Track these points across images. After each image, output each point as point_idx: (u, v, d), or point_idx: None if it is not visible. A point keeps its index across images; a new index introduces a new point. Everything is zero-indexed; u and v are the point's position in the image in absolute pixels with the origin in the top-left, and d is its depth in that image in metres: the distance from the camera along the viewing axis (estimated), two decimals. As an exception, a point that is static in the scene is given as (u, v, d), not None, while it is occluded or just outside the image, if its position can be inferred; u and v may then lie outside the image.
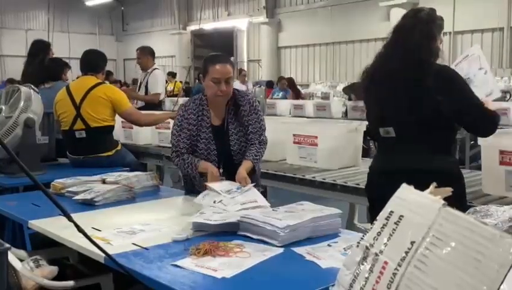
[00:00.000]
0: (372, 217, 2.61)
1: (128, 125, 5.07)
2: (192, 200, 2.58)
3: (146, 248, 1.90)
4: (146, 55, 6.30)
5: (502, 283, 0.83)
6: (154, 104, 6.13)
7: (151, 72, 6.21)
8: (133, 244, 1.94)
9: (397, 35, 2.49)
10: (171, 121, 4.65)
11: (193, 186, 2.90)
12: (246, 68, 18.64)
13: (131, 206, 2.64)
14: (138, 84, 6.60)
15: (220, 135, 2.85)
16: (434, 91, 2.32)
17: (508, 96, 11.74)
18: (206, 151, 2.83)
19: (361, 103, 8.78)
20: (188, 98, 4.70)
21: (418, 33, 2.41)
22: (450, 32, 14.22)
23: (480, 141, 2.81)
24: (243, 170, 2.70)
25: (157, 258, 1.79)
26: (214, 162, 2.81)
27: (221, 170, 2.79)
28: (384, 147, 2.59)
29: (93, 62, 4.22)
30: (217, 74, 2.73)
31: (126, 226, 2.17)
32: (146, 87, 6.19)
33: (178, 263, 1.73)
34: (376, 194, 2.51)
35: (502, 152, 2.66)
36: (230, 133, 2.85)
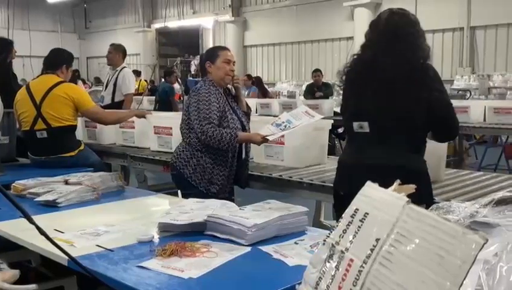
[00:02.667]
0: (338, 213, 2.64)
1: (91, 125, 4.98)
2: (157, 199, 2.56)
3: (111, 250, 1.87)
4: (118, 52, 6.21)
5: (464, 278, 0.85)
6: (121, 103, 6.08)
7: (120, 71, 6.10)
8: (97, 246, 1.91)
9: (386, 36, 2.51)
10: (136, 120, 4.62)
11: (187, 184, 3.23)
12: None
13: (95, 207, 2.59)
14: (105, 81, 6.45)
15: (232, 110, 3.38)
16: (428, 89, 2.41)
17: (468, 95, 12.08)
18: (233, 120, 3.30)
19: (317, 102, 8.98)
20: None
21: (411, 34, 2.49)
22: (412, 32, 14.48)
23: None
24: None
25: (122, 260, 1.76)
26: (238, 129, 3.30)
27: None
28: (356, 142, 2.62)
29: (53, 60, 4.11)
30: (228, 56, 3.40)
31: (90, 227, 2.13)
32: (115, 85, 6.07)
33: (143, 264, 1.70)
34: (347, 189, 2.55)
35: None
36: (236, 109, 3.42)
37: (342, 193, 2.62)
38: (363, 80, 2.55)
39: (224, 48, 3.50)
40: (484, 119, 6.77)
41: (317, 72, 10.16)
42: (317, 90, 9.81)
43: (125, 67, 6.23)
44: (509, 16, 12.87)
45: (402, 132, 2.46)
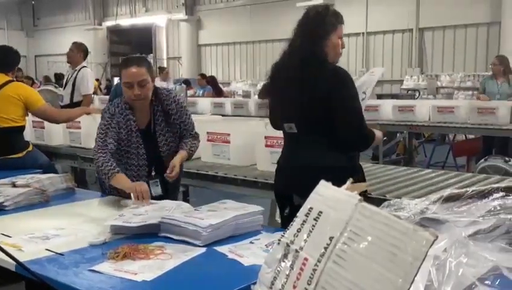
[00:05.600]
0: (281, 210, 2.70)
1: (39, 125, 4.84)
2: (110, 201, 2.51)
3: (61, 254, 1.82)
4: (79, 51, 6.15)
5: (416, 274, 0.86)
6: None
7: (79, 70, 6.04)
8: (47, 250, 1.85)
9: (295, 34, 2.54)
10: (82, 120, 4.51)
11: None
12: (165, 66, 18.40)
13: (45, 210, 2.52)
14: (65, 80, 6.40)
15: (148, 138, 2.78)
16: (327, 86, 2.37)
17: (417, 95, 12.42)
18: (137, 156, 2.77)
19: (267, 101, 9.03)
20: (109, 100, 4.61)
21: (310, 32, 2.46)
22: (363, 33, 14.80)
23: None
24: (178, 158, 2.76)
25: (73, 264, 1.72)
26: (144, 166, 2.78)
27: (153, 173, 2.78)
28: (288, 142, 2.65)
29: (5, 60, 3.99)
30: (128, 78, 2.66)
31: (39, 231, 2.07)
32: (73, 85, 6.00)
33: (95, 268, 1.66)
34: (282, 188, 2.60)
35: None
36: (157, 135, 2.79)
37: (279, 192, 2.66)
38: (284, 80, 2.54)
39: (127, 65, 2.69)
40: (429, 118, 7.02)
41: None
42: None
43: (84, 66, 6.16)
44: (455, 18, 13.32)
45: (323, 131, 2.44)
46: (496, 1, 12.60)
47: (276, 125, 2.75)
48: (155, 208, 2.28)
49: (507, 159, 4.82)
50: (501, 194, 1.32)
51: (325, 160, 2.42)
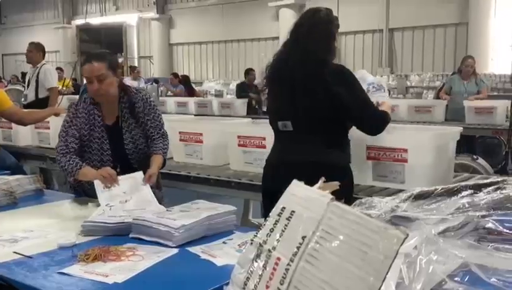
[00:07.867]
0: (266, 210, 2.66)
1: (6, 125, 4.74)
2: (79, 203, 2.49)
3: (29, 256, 1.78)
4: (38, 51, 6.29)
5: (387, 272, 0.87)
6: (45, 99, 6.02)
7: (40, 67, 6.14)
8: (15, 253, 1.81)
9: (296, 34, 2.53)
10: (51, 120, 4.43)
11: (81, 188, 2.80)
12: (137, 64, 18.23)
13: (13, 212, 2.46)
14: (27, 80, 6.48)
15: (113, 134, 2.76)
16: (331, 86, 2.40)
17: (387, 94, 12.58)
18: (100, 151, 2.74)
19: (230, 100, 9.03)
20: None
21: (317, 33, 2.48)
22: (334, 33, 14.93)
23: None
24: (155, 166, 2.67)
25: (42, 267, 1.69)
26: (108, 162, 2.74)
27: (118, 170, 2.72)
28: (282, 140, 2.64)
29: None
30: (86, 72, 2.66)
31: (7, 233, 2.02)
32: (37, 82, 6.10)
33: (65, 270, 1.63)
34: (273, 186, 2.56)
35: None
36: (124, 131, 2.77)
37: (269, 190, 2.63)
38: (280, 79, 2.56)
39: (86, 61, 2.69)
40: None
41: (251, 72, 10.30)
42: (249, 89, 9.90)
43: (45, 63, 6.29)
44: (424, 18, 13.55)
45: (321, 129, 2.49)
46: (463, 2, 12.88)
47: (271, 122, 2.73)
48: (138, 198, 2.34)
49: (475, 157, 4.91)
50: (469, 191, 1.35)
51: (323, 157, 2.44)
